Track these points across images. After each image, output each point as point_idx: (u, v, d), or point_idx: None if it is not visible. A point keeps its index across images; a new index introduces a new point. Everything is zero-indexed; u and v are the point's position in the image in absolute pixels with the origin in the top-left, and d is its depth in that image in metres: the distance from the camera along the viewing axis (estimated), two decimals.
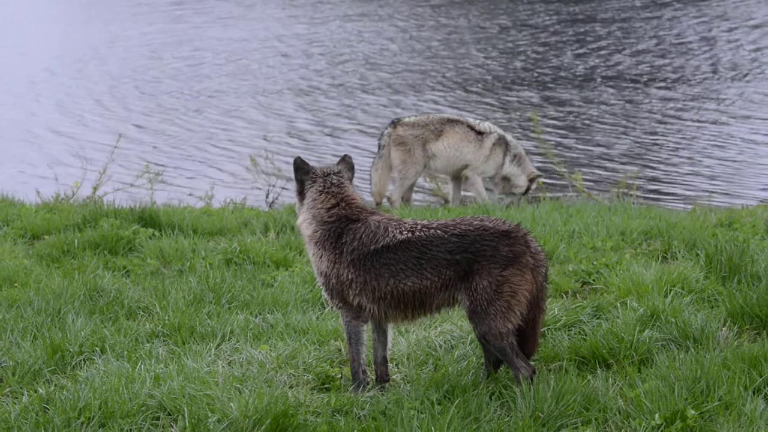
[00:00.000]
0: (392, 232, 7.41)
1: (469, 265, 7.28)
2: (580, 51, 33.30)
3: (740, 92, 26.15)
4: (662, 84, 27.82)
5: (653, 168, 19.49)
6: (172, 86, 30.01)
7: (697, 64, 30.31)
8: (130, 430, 7.07)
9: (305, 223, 7.66)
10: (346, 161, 7.85)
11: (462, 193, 16.33)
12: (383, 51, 35.09)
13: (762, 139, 21.58)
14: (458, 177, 16.04)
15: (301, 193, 7.76)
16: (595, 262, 9.97)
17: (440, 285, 7.33)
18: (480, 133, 15.76)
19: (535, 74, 29.94)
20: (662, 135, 22.27)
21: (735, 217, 11.99)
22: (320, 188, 7.67)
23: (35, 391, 7.58)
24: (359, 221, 7.51)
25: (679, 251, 10.32)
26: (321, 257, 7.54)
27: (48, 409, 7.25)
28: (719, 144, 21.29)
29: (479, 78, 29.71)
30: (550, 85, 28.32)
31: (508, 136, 16.17)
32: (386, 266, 7.36)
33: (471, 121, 15.99)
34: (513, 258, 7.27)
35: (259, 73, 31.58)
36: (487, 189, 16.10)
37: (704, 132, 22.51)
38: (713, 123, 23.31)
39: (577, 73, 29.66)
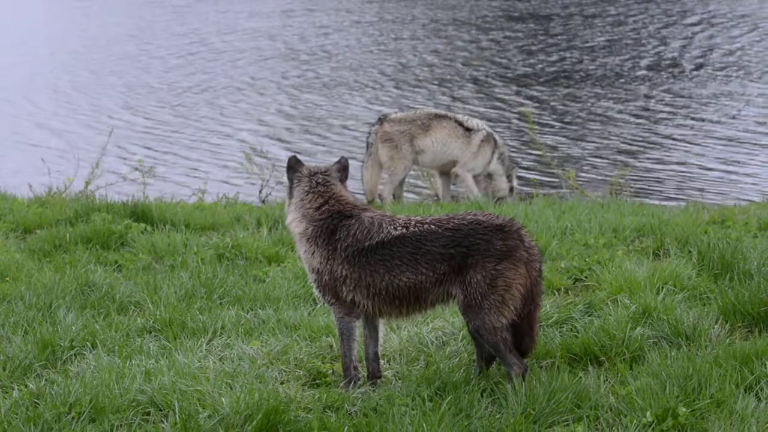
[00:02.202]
0: (386, 228, 7.41)
1: (463, 259, 7.27)
2: (529, 48, 33.29)
3: (681, 91, 26.16)
4: (593, 82, 27.84)
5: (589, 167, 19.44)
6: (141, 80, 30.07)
7: (634, 62, 30.36)
8: (121, 425, 7.06)
9: (295, 222, 7.65)
10: (340, 162, 7.85)
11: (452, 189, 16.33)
12: (329, 46, 35.09)
13: (698, 139, 21.56)
14: (446, 173, 16.03)
15: (290, 193, 7.75)
16: (587, 259, 9.97)
17: (435, 280, 7.32)
18: (468, 129, 15.74)
19: (474, 71, 29.87)
20: (599, 136, 22.21)
21: (727, 214, 11.99)
22: (306, 188, 7.66)
23: (26, 386, 7.56)
24: (352, 217, 7.51)
25: (672, 248, 10.31)
26: (313, 254, 7.52)
27: (38, 404, 7.23)
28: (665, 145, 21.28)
29: (417, 74, 29.65)
30: (488, 83, 28.24)
31: (495, 134, 16.18)
32: (381, 262, 7.35)
33: (459, 117, 15.98)
34: (507, 252, 7.27)
35: (196, 69, 31.61)
36: None
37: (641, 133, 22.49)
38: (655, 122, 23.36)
39: (519, 72, 29.61)
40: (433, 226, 7.36)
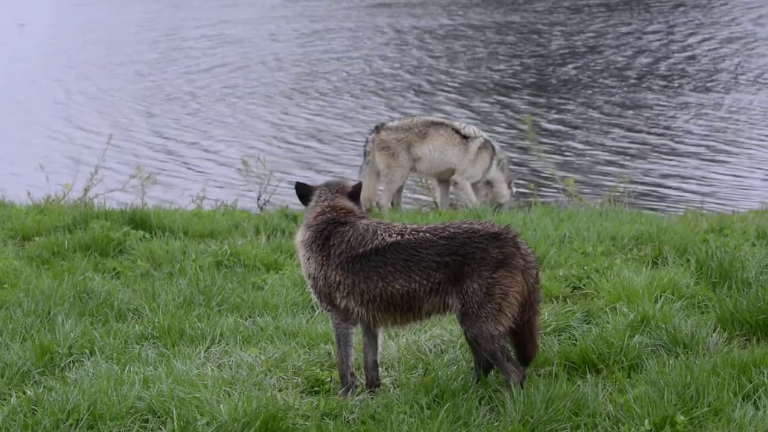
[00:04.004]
0: (381, 235, 7.43)
1: (459, 267, 7.27)
2: (504, 56, 33.30)
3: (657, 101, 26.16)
4: (572, 90, 27.86)
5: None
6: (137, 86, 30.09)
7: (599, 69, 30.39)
8: None
9: (298, 232, 7.74)
10: (354, 186, 7.87)
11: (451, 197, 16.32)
12: (294, 54, 35.15)
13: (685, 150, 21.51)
14: (445, 180, 16.03)
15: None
16: (585, 267, 9.97)
17: (429, 288, 7.32)
18: (465, 137, 15.75)
19: (422, 80, 29.83)
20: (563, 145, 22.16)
21: (726, 222, 11.99)
22: (313, 203, 7.77)
23: (23, 393, 7.55)
24: (347, 224, 7.54)
25: (670, 257, 10.32)
26: (309, 259, 7.56)
27: (36, 411, 7.23)
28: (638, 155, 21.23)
29: (377, 82, 29.60)
30: (435, 93, 28.16)
31: (493, 141, 16.18)
32: (375, 269, 7.36)
33: (456, 124, 15.97)
34: (503, 260, 7.27)
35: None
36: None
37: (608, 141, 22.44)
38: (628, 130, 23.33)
39: (496, 81, 29.59)
40: (428, 234, 7.38)
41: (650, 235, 11.12)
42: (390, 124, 15.85)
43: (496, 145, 16.18)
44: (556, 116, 24.76)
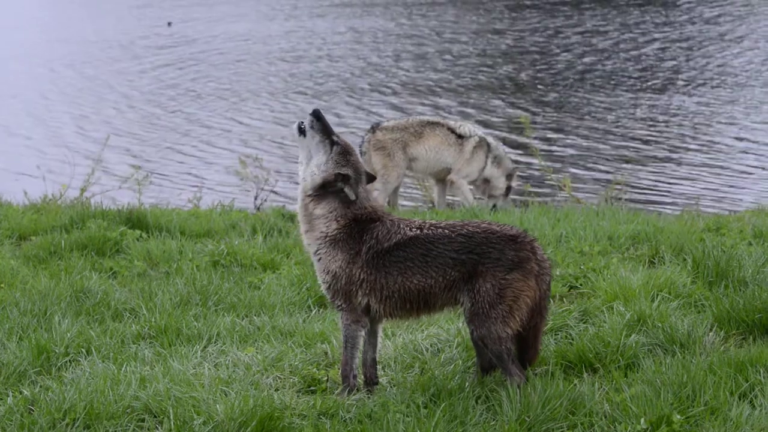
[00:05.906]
0: (403, 229, 7.44)
1: (473, 266, 7.29)
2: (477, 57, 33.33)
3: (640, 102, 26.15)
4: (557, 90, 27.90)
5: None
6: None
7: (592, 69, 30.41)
8: (115, 431, 7.05)
9: (323, 219, 7.58)
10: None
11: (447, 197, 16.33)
12: (246, 54, 35.22)
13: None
14: (442, 180, 16.03)
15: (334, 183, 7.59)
16: (582, 267, 9.97)
17: (444, 285, 7.34)
18: (460, 136, 15.76)
19: (385, 83, 29.84)
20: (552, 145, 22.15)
21: (722, 222, 12.01)
22: (358, 200, 7.58)
23: (20, 392, 7.55)
24: (378, 221, 7.52)
25: (667, 256, 10.33)
26: (334, 257, 7.48)
27: (33, 411, 7.22)
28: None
29: (332, 85, 29.60)
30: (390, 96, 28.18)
31: (489, 138, 16.19)
32: (395, 263, 7.37)
33: (451, 123, 15.99)
34: (518, 263, 7.29)
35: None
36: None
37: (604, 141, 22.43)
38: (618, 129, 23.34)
39: (419, 84, 29.58)
40: (446, 231, 7.40)
41: (647, 234, 11.13)
42: (385, 124, 15.86)
43: (492, 142, 16.17)
44: (514, 115, 24.83)
